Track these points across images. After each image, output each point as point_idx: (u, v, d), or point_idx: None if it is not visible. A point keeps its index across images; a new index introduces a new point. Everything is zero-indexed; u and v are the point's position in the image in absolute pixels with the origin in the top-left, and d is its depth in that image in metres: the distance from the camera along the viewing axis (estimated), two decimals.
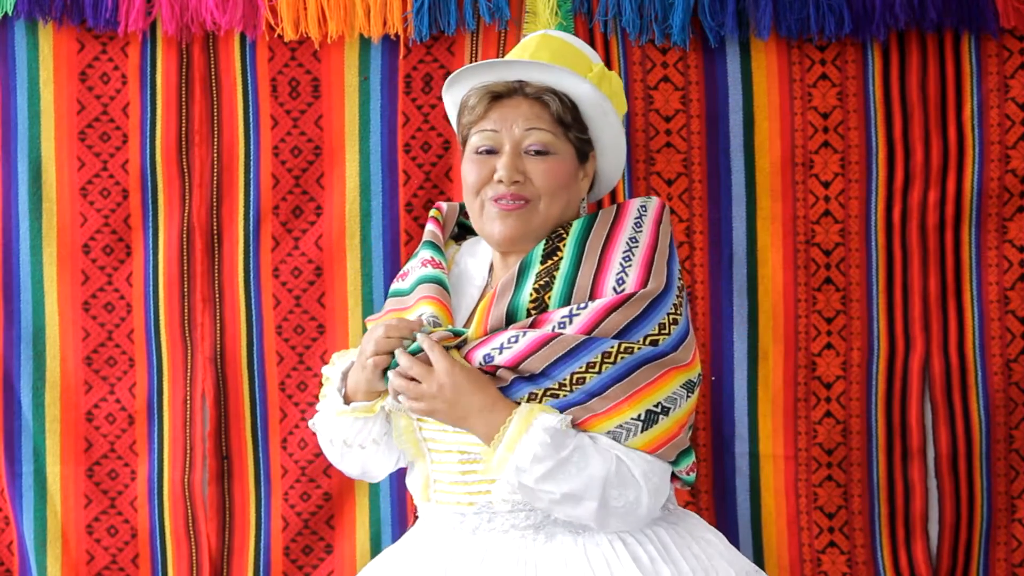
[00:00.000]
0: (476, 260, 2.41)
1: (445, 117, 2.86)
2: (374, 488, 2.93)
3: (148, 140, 2.93)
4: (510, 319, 2.22)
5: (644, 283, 2.21)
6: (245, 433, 2.96)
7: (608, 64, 2.86)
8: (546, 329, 2.18)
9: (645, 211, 2.31)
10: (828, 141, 2.90)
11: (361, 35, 2.88)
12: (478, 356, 2.20)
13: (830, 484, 2.93)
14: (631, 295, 2.19)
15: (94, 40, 2.92)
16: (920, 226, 2.91)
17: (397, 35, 2.87)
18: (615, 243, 2.26)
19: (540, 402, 2.17)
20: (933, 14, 2.82)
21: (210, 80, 2.92)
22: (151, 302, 2.95)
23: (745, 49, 2.89)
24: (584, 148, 2.31)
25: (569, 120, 2.28)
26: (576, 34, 2.84)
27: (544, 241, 2.27)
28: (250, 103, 2.92)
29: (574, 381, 2.16)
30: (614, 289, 2.21)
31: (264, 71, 2.91)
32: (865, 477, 2.93)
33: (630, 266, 2.23)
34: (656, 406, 2.18)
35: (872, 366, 2.92)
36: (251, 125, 2.92)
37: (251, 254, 2.94)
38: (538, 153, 2.26)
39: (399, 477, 2.71)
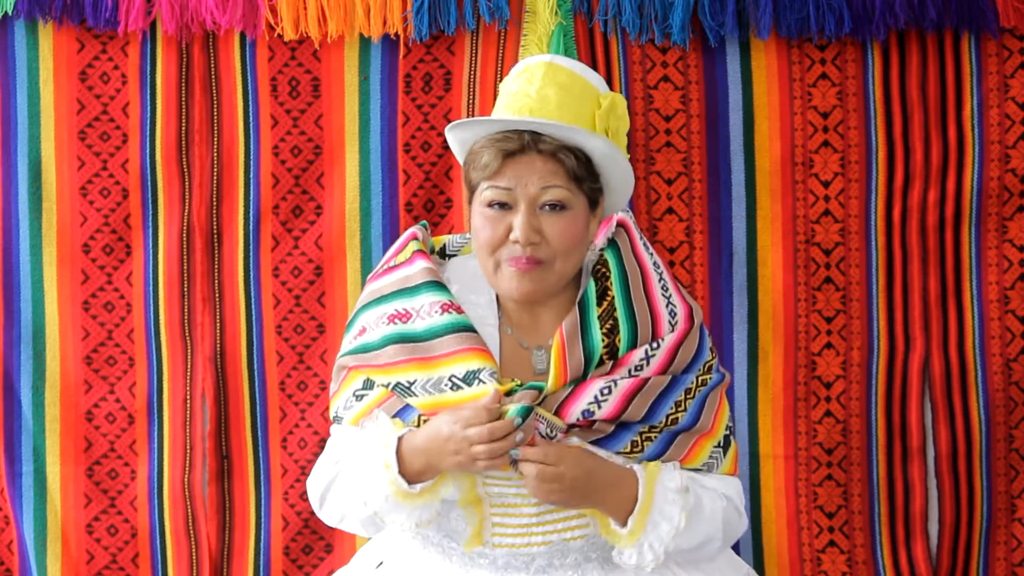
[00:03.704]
0: (479, 298, 2.33)
1: (445, 116, 2.87)
2: None
3: (148, 140, 2.93)
4: (587, 364, 2.22)
5: (689, 313, 2.28)
6: (245, 433, 2.96)
7: (608, 64, 2.86)
8: (628, 374, 2.21)
9: (632, 225, 2.34)
10: (828, 141, 2.90)
11: (361, 35, 2.88)
12: (574, 412, 2.19)
13: (830, 484, 2.93)
14: (688, 329, 2.27)
15: (94, 40, 2.92)
16: (920, 226, 2.91)
17: (397, 35, 2.86)
18: (649, 274, 2.30)
19: (642, 448, 2.21)
20: (933, 14, 2.82)
21: (210, 80, 2.92)
22: (151, 302, 2.95)
23: (745, 49, 2.89)
24: (596, 196, 2.28)
25: (583, 174, 2.24)
26: (576, 34, 2.84)
27: (592, 280, 2.27)
28: (250, 103, 2.92)
29: (668, 422, 2.22)
30: (670, 323, 2.26)
31: (264, 71, 2.91)
32: (865, 477, 2.93)
33: (670, 296, 2.29)
34: (727, 428, 2.30)
35: (872, 366, 2.92)
36: (251, 125, 2.92)
37: (251, 254, 2.94)
38: (553, 208, 2.21)
39: None
